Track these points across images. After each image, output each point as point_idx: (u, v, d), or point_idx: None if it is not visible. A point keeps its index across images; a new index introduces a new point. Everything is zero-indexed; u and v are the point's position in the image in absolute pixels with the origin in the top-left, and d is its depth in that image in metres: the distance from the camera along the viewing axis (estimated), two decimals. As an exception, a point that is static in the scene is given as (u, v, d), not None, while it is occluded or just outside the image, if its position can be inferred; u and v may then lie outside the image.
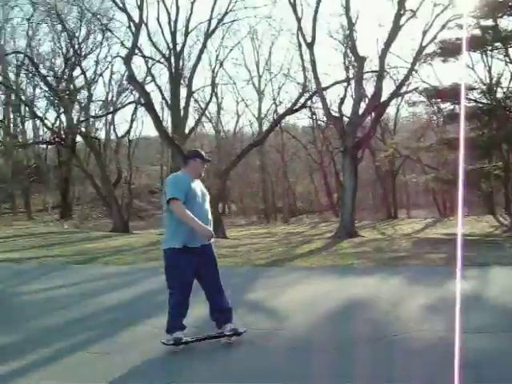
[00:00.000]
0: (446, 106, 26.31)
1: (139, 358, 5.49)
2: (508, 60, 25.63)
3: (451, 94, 23.65)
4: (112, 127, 44.51)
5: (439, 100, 25.85)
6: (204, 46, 31.92)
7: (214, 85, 38.68)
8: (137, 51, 30.07)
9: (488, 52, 27.23)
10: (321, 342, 5.87)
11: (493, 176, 24.23)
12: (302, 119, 73.50)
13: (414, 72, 26.74)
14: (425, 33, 24.04)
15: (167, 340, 5.54)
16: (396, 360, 5.24)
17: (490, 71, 33.66)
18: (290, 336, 6.11)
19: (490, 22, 23.55)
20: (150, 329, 6.59)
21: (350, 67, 29.52)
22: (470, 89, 24.81)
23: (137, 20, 27.46)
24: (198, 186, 5.78)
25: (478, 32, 23.84)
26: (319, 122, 43.37)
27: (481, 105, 24.63)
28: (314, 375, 4.93)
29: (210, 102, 40.76)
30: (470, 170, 22.78)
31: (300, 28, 24.82)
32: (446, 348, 5.24)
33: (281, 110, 40.65)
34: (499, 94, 26.23)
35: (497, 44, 24.41)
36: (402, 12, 22.91)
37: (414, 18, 23.64)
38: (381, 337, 5.89)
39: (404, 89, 26.95)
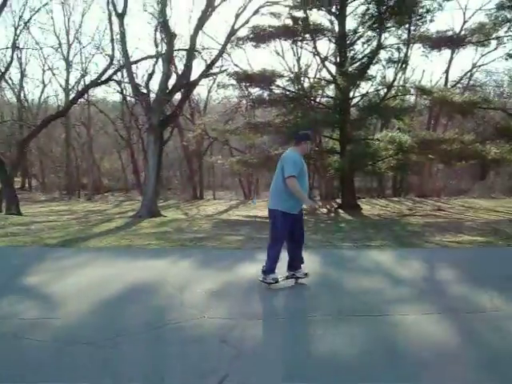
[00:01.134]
0: (256, 91, 26.64)
1: None
2: (315, 52, 26.53)
3: (260, 79, 23.99)
4: None
5: (249, 84, 26.06)
6: (5, 4, 29.22)
7: (15, 47, 35.80)
8: None
9: (298, 42, 27.99)
10: (94, 332, 5.27)
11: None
12: (112, 93, 71.30)
13: (226, 54, 26.81)
14: (237, 16, 24.12)
15: (264, 278, 7.01)
16: (170, 350, 4.83)
17: (298, 61, 34.91)
18: (61, 326, 5.44)
19: (301, 14, 24.20)
20: None
21: (162, 43, 28.81)
22: (279, 76, 25.29)
23: None
24: (303, 161, 7.10)
25: (289, 22, 24.42)
26: (128, 98, 41.97)
27: (288, 92, 25.26)
28: (79, 371, 4.34)
29: (10, 65, 37.33)
30: (275, 155, 23.32)
31: (111, -4, 23.58)
32: (223, 337, 4.93)
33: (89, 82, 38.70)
34: (306, 84, 27.13)
35: (306, 35, 25.14)
36: (216, -8, 22.71)
37: (228, 1, 23.58)
38: (161, 325, 5.44)
39: (215, 70, 26.88)
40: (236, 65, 30.25)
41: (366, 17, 23.86)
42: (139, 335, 5.19)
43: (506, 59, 21.30)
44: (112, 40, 26.70)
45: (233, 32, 23.96)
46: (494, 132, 23.40)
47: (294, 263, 7.40)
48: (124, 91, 41.17)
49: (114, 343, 4.94)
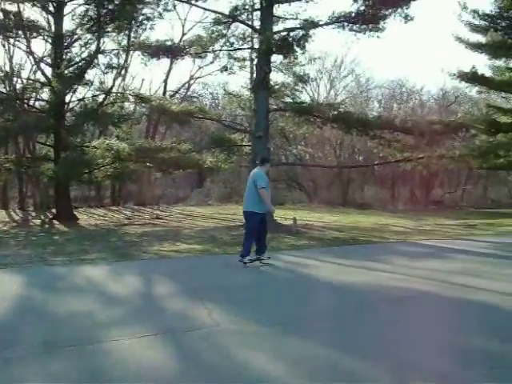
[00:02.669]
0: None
1: None
2: (29, 51, 24.74)
3: None
4: None
5: None
6: None
7: None
8: None
9: (10, 39, 25.81)
10: None
11: (4, 169, 22.90)
12: None
13: None
14: None
15: (243, 260, 9.59)
16: None
17: (11, 59, 32.26)
18: None
19: (14, 8, 22.27)
20: None
21: None
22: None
23: None
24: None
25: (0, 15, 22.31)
26: None
27: (-3, 93, 23.13)
28: None
29: None
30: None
31: None
32: None
33: None
34: (18, 85, 25.19)
35: (19, 32, 23.20)
36: None
37: None
38: None
39: None
40: None
41: (85, 19, 22.80)
42: None
43: (222, 71, 21.96)
44: None
45: None
46: (209, 141, 24.12)
47: (260, 249, 9.94)
48: None
49: None
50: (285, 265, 10.25)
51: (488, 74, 29.34)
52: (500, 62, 29.90)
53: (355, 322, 5.96)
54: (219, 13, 19.74)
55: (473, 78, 27.88)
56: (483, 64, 30.77)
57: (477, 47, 28.29)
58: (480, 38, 28.70)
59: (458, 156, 20.25)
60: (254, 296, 7.40)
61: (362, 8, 18.66)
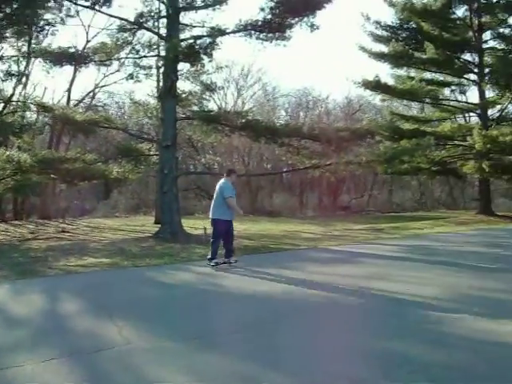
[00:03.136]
0: None
1: None
2: None
3: None
4: None
5: None
6: None
7: None
8: None
9: None
10: None
11: None
12: None
13: None
14: None
15: (210, 262, 10.67)
16: None
17: None
18: None
19: None
20: None
21: None
22: None
23: None
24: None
25: None
26: None
27: None
28: None
29: None
30: None
31: None
32: None
33: None
34: None
35: None
36: None
37: None
38: None
39: None
40: None
41: (-20, 22, 21.73)
42: None
43: (127, 79, 21.38)
44: None
45: None
46: (115, 151, 23.51)
47: (228, 253, 10.95)
48: None
49: None
50: (196, 276, 10.03)
51: (390, 82, 30.51)
52: (402, 71, 31.24)
53: (270, 334, 5.83)
54: (124, 19, 19.21)
55: (376, 86, 28.82)
56: (386, 73, 31.92)
57: (380, 57, 29.27)
58: (382, 48, 29.85)
59: (364, 162, 20.55)
60: (165, 310, 7.13)
61: (269, 16, 18.67)
